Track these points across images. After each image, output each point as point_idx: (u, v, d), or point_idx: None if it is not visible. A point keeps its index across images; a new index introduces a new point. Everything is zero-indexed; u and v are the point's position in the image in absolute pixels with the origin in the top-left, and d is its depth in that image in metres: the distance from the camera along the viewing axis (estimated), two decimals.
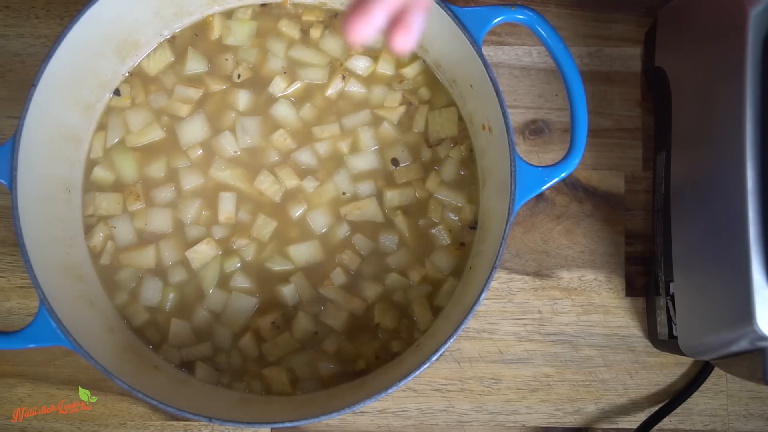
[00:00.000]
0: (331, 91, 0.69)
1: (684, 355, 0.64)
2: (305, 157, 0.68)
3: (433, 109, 0.70)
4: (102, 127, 0.69)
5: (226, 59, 0.70)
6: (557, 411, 0.72)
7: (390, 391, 0.57)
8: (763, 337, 0.53)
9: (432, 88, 0.70)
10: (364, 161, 0.69)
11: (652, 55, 0.71)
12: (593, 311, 0.72)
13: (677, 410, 0.71)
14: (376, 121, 0.69)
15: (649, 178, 0.73)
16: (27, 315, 0.72)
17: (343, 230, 0.68)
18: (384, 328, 0.67)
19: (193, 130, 0.69)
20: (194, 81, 0.70)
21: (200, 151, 0.68)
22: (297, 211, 0.68)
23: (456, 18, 0.60)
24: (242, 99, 0.69)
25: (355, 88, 0.70)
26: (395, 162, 0.69)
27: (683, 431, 0.72)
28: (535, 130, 0.74)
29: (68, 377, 0.71)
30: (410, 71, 0.70)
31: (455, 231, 0.68)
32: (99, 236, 0.67)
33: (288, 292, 0.67)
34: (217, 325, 0.67)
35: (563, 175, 0.60)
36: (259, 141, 0.69)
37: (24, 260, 0.57)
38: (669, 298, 0.65)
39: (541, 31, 0.60)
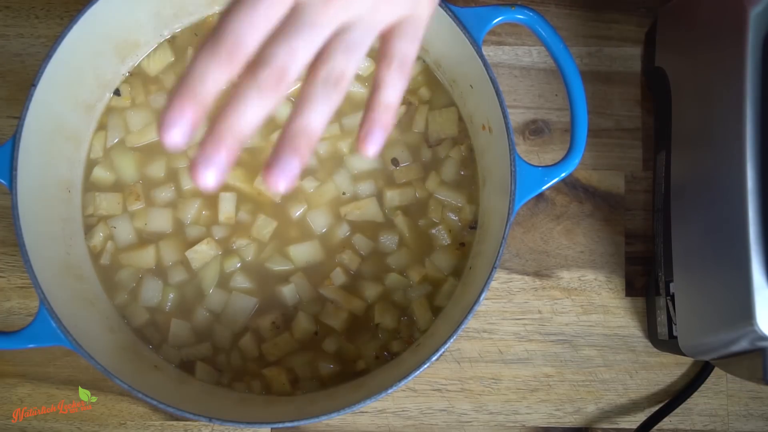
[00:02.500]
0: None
1: (684, 355, 0.64)
2: None
3: (433, 109, 0.70)
4: (102, 127, 0.69)
5: None
6: (557, 411, 0.72)
7: (390, 391, 0.57)
8: (763, 337, 0.53)
9: (432, 88, 0.70)
10: (364, 161, 0.69)
11: (652, 55, 0.71)
12: (593, 311, 0.72)
13: (677, 410, 0.71)
14: None
15: (649, 178, 0.73)
16: (27, 315, 0.72)
17: (343, 230, 0.68)
18: (384, 328, 0.67)
19: None
20: None
21: None
22: (297, 211, 0.68)
23: (456, 18, 0.60)
24: None
25: (355, 88, 0.69)
26: (395, 162, 0.69)
27: (683, 431, 0.72)
28: (535, 130, 0.74)
29: (68, 377, 0.71)
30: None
31: (455, 231, 0.68)
32: (99, 236, 0.67)
33: (288, 292, 0.67)
34: (217, 325, 0.67)
35: (563, 175, 0.60)
36: (259, 141, 0.69)
37: (24, 260, 0.57)
38: (669, 298, 0.65)
39: (541, 31, 0.60)
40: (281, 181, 0.40)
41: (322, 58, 0.41)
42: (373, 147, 0.44)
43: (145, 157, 0.69)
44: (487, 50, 0.74)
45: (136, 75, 0.70)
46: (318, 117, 0.41)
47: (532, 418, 0.72)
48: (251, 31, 0.39)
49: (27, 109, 0.59)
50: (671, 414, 0.70)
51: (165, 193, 0.68)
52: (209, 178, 0.39)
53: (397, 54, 0.44)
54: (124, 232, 0.67)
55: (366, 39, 0.42)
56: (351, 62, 0.42)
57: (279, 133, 0.41)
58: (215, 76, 0.39)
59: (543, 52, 0.74)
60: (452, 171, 0.69)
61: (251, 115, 0.40)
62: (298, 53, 0.40)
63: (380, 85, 0.45)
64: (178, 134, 0.39)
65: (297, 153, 0.40)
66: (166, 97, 0.40)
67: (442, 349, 0.57)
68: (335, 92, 0.41)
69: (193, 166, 0.39)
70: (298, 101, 0.41)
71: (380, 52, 0.44)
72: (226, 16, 0.39)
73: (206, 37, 0.39)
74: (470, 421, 0.72)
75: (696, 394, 0.71)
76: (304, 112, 0.41)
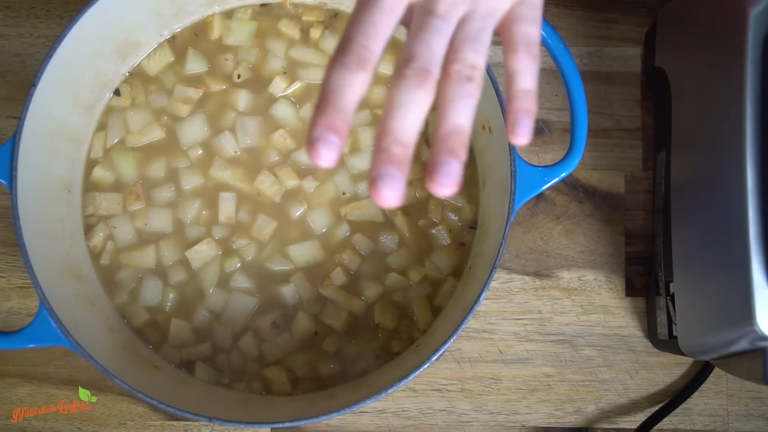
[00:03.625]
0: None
1: (684, 355, 0.64)
2: (305, 157, 0.68)
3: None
4: (102, 127, 0.69)
5: (226, 59, 0.70)
6: (557, 411, 0.72)
7: (390, 391, 0.57)
8: (763, 337, 0.53)
9: None
10: (364, 161, 0.69)
11: (652, 55, 0.71)
12: (593, 311, 0.72)
13: (677, 410, 0.71)
14: (376, 121, 0.69)
15: (649, 178, 0.73)
16: (27, 315, 0.72)
17: (343, 230, 0.68)
18: (384, 328, 0.67)
19: (193, 130, 0.69)
20: (194, 81, 0.70)
21: (200, 151, 0.68)
22: (297, 211, 0.68)
23: None
24: (242, 99, 0.69)
25: None
26: None
27: (683, 431, 0.72)
28: (535, 130, 0.74)
29: (68, 377, 0.71)
30: None
31: (455, 231, 0.68)
32: (99, 236, 0.67)
33: (288, 292, 0.67)
34: (217, 325, 0.67)
35: (563, 175, 0.60)
36: (259, 141, 0.69)
37: (24, 260, 0.57)
38: (669, 298, 0.65)
39: (541, 31, 0.60)
40: (447, 185, 0.40)
41: (452, 56, 0.41)
42: (524, 136, 0.44)
43: (145, 157, 0.69)
44: None
45: (136, 75, 0.70)
46: (463, 114, 0.42)
47: (532, 418, 0.72)
48: (374, 34, 0.40)
49: (27, 109, 0.59)
50: (671, 414, 0.70)
51: (165, 193, 0.68)
52: (390, 196, 0.39)
53: (522, 39, 0.44)
54: (124, 232, 0.67)
55: (488, 26, 0.42)
56: (479, 52, 0.42)
57: (434, 140, 0.41)
58: (352, 86, 0.40)
59: (543, 52, 0.74)
60: None
61: (410, 118, 0.41)
62: (434, 46, 0.41)
63: (514, 73, 0.44)
64: (329, 150, 0.39)
65: (454, 154, 0.40)
66: (312, 115, 0.40)
67: (442, 349, 0.57)
68: (472, 86, 0.42)
69: (372, 186, 0.39)
70: (441, 103, 0.42)
71: (505, 41, 0.44)
72: (350, 25, 0.40)
73: (335, 51, 0.40)
74: (470, 421, 0.71)
75: (696, 394, 0.71)
76: (450, 113, 0.42)
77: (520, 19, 0.44)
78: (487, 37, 0.43)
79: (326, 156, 0.39)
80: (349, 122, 0.40)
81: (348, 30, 0.40)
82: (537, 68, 0.44)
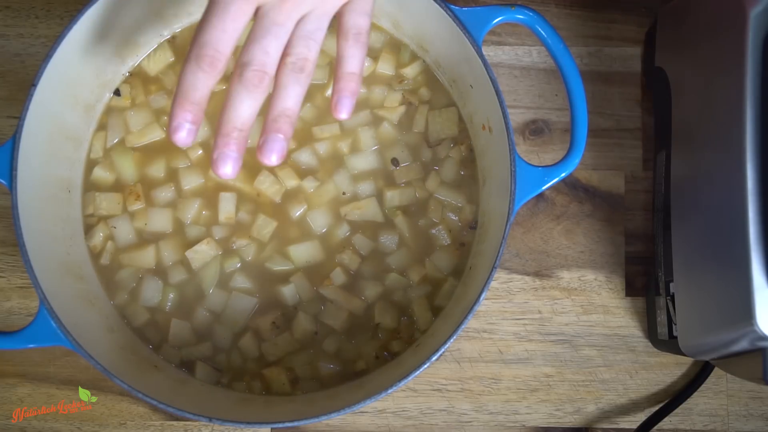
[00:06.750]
0: (331, 91, 0.69)
1: (684, 355, 0.64)
2: (305, 157, 0.68)
3: (433, 109, 0.70)
4: (102, 127, 0.69)
5: None
6: (557, 411, 0.72)
7: (390, 391, 0.57)
8: (763, 337, 0.53)
9: (432, 88, 0.70)
10: (364, 161, 0.69)
11: (652, 55, 0.71)
12: (593, 311, 0.72)
13: (677, 410, 0.71)
14: (376, 121, 0.69)
15: (649, 178, 0.73)
16: (27, 315, 0.72)
17: (343, 230, 0.68)
18: (384, 328, 0.67)
19: None
20: None
21: (200, 151, 0.68)
22: (297, 211, 0.68)
23: (456, 18, 0.60)
24: None
25: None
26: (395, 162, 0.69)
27: (683, 431, 0.72)
28: (535, 130, 0.74)
29: (68, 377, 0.71)
30: (410, 71, 0.70)
31: (455, 231, 0.68)
32: (99, 236, 0.67)
33: (288, 292, 0.67)
34: (217, 325, 0.67)
35: (563, 175, 0.60)
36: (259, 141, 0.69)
37: (24, 260, 0.57)
38: (669, 298, 0.65)
39: (541, 31, 0.60)
40: (272, 156, 0.51)
41: (287, 50, 0.50)
42: (344, 112, 0.53)
43: (145, 157, 0.69)
44: (487, 50, 0.74)
45: (136, 75, 0.70)
46: (292, 99, 0.50)
47: (532, 418, 0.72)
48: (224, 40, 0.48)
49: (27, 109, 0.59)
50: (671, 414, 0.70)
51: (165, 193, 0.68)
52: (228, 169, 0.50)
53: (352, 28, 0.52)
54: (124, 232, 0.67)
55: (321, 25, 0.50)
56: (311, 49, 0.50)
57: (266, 120, 0.50)
58: (203, 83, 0.49)
59: (543, 52, 0.74)
60: (452, 171, 0.69)
61: (246, 111, 0.49)
62: (270, 51, 0.49)
63: (342, 57, 0.53)
64: (184, 134, 0.49)
65: (281, 131, 0.50)
66: (171, 106, 0.49)
67: (442, 349, 0.57)
68: (303, 76, 0.50)
69: (213, 164, 0.50)
70: (275, 89, 0.50)
71: (338, 29, 0.52)
72: (201, 29, 0.48)
73: (189, 48, 0.48)
74: (470, 421, 0.72)
75: (696, 394, 0.71)
76: (280, 98, 0.50)
77: (352, 11, 0.52)
78: (321, 34, 0.51)
79: (185, 139, 0.49)
80: (202, 111, 0.49)
81: (200, 34, 0.48)
82: (364, 54, 0.53)
